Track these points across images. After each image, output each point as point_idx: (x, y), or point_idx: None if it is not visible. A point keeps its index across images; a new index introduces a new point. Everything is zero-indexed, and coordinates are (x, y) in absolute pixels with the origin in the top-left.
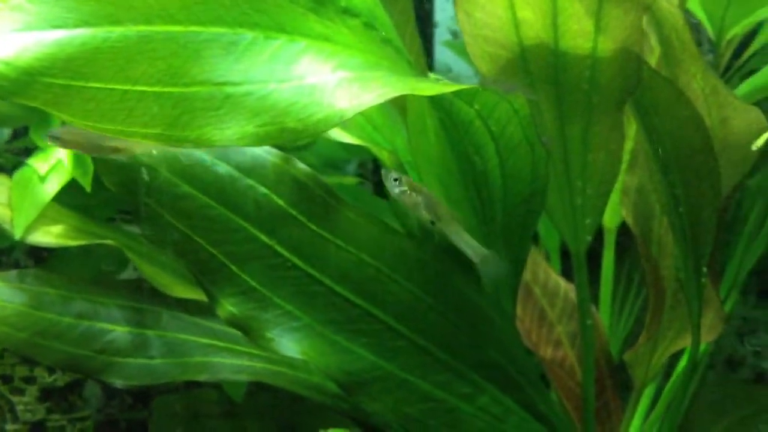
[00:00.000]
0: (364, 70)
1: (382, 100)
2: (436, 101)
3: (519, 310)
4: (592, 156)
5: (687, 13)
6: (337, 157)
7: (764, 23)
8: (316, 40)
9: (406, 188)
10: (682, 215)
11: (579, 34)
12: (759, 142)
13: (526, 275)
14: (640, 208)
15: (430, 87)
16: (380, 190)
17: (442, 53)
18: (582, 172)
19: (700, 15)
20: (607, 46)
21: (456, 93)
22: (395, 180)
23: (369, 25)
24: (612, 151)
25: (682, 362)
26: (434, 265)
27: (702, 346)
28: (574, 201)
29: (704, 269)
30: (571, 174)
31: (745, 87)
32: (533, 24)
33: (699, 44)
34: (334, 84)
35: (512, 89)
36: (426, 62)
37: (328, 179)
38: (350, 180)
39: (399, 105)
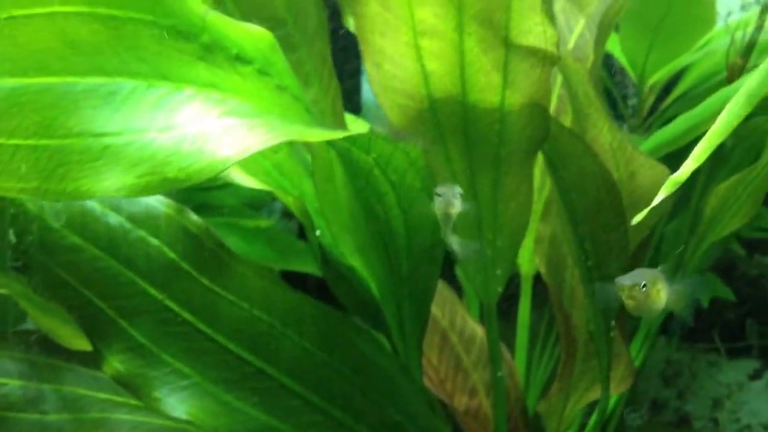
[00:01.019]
0: (252, 116)
1: (266, 146)
2: (338, 148)
3: (435, 358)
4: (502, 207)
5: (611, 58)
6: (257, 198)
7: (687, 69)
8: (203, 88)
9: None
10: (590, 268)
11: (487, 87)
12: (662, 193)
13: (444, 322)
14: (553, 257)
15: (317, 133)
16: (303, 231)
17: None
18: (492, 223)
19: (623, 61)
20: (515, 99)
21: (353, 141)
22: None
23: (263, 72)
24: (522, 202)
25: (594, 415)
26: (329, 320)
27: (614, 398)
28: (485, 251)
29: (613, 322)
30: (482, 225)
31: (650, 141)
32: (442, 77)
33: (625, 88)
34: (219, 131)
35: (402, 138)
36: (343, 103)
37: (245, 221)
38: (265, 222)
39: (311, 151)
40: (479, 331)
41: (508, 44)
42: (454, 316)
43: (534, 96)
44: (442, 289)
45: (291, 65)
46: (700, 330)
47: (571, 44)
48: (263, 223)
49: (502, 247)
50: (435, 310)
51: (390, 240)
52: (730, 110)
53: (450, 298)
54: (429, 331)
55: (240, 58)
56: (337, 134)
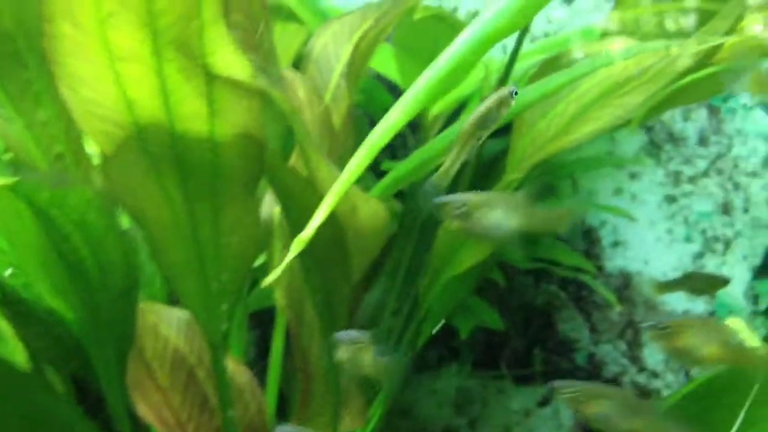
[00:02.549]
0: None
1: None
2: (14, 189)
3: (178, 399)
4: (225, 240)
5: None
6: None
7: (467, 102)
8: None
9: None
10: (318, 301)
11: (194, 116)
12: (292, 252)
13: (192, 358)
14: (291, 289)
15: None
16: None
17: None
18: (216, 257)
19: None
20: (224, 130)
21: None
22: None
23: None
24: (246, 235)
25: None
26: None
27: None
28: (209, 286)
29: None
30: (204, 258)
31: (387, 178)
32: (146, 104)
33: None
34: None
35: (56, 181)
36: None
37: None
38: None
39: None
40: (231, 366)
41: (208, 73)
42: (203, 351)
43: (246, 127)
44: (192, 322)
45: (19, 84)
46: (490, 358)
47: (336, 75)
48: None
49: (227, 281)
50: (183, 345)
51: (85, 281)
52: (349, 168)
53: (197, 333)
54: (173, 369)
55: None
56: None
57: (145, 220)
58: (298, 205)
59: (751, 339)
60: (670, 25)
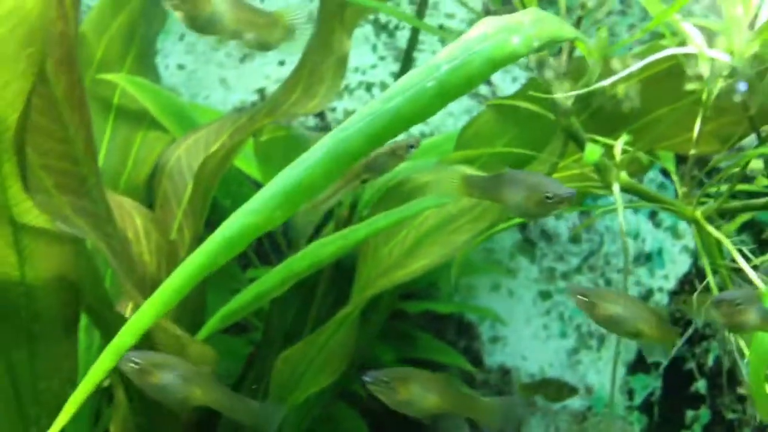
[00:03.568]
0: None
1: None
2: None
3: None
4: (44, 384)
5: None
6: None
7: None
8: None
9: None
10: None
11: (3, 262)
12: None
13: None
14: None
15: None
16: None
17: None
18: (35, 401)
19: None
20: (36, 275)
21: None
22: None
23: None
24: (66, 379)
25: None
26: None
27: None
28: (29, 431)
29: None
30: (22, 402)
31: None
32: None
33: None
34: None
35: None
36: None
37: None
38: None
39: None
40: None
41: (14, 223)
42: None
43: (60, 272)
44: None
45: None
46: None
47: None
48: None
49: (47, 426)
50: None
51: None
52: (143, 311)
53: None
54: None
55: None
56: None
57: None
58: None
59: None
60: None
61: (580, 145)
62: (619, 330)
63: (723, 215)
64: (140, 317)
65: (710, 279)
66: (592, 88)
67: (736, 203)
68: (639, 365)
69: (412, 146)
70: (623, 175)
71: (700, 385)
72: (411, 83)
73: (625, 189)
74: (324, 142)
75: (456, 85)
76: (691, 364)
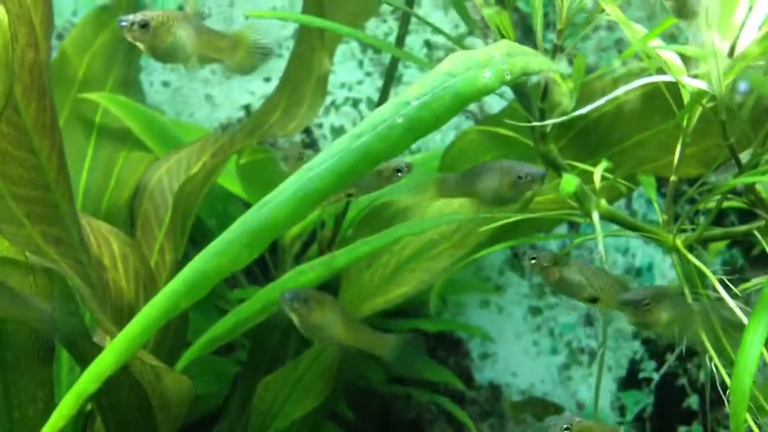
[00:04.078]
0: None
1: None
2: None
3: None
4: (18, 413)
5: None
6: None
7: (326, 222)
8: None
9: None
10: None
11: None
12: None
13: None
14: None
15: None
16: None
17: None
18: (9, 431)
19: None
20: None
21: None
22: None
23: None
24: (42, 408)
25: None
26: None
27: None
28: None
29: None
30: None
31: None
32: None
33: None
34: None
35: None
36: None
37: None
38: None
39: None
40: None
41: None
42: None
43: None
44: None
45: None
46: None
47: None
48: None
49: None
50: None
51: None
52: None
53: None
54: None
55: None
56: None
57: None
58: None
59: None
60: None
61: (559, 172)
62: (576, 295)
63: (704, 243)
64: (100, 363)
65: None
66: (568, 117)
67: (716, 231)
68: (631, 381)
69: (399, 171)
70: (603, 202)
71: (692, 400)
72: (380, 119)
73: (604, 217)
74: (292, 181)
75: (425, 121)
76: (683, 380)
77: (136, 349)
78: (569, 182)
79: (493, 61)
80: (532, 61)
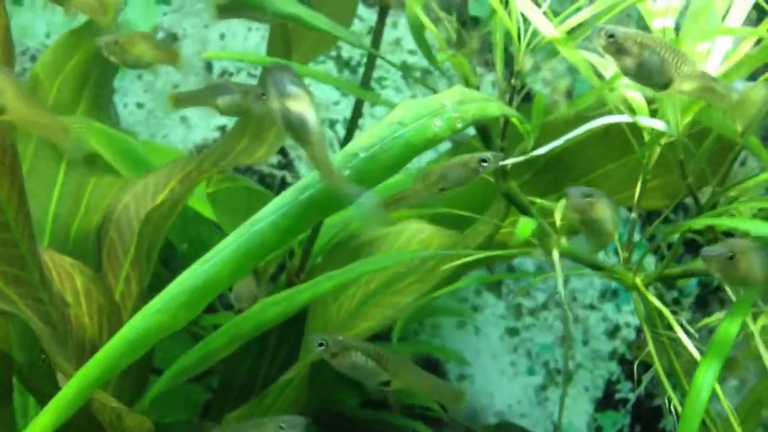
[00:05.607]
0: None
1: None
2: None
3: None
4: None
5: None
6: None
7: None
8: None
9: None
10: None
11: None
12: None
13: None
14: None
15: None
16: None
17: None
18: None
19: None
20: None
21: None
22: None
23: None
24: None
25: None
26: None
27: None
28: None
29: None
30: None
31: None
32: None
33: None
34: None
35: None
36: None
37: None
38: None
39: None
40: None
41: None
42: None
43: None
44: None
45: None
46: None
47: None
48: None
49: None
50: None
51: None
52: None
53: None
54: None
55: None
56: None
57: None
58: None
59: None
60: None
61: (521, 210)
62: None
63: (665, 280)
64: (41, 420)
65: (651, 348)
66: (527, 157)
67: (677, 269)
68: (607, 402)
69: (485, 161)
70: (563, 241)
71: (669, 421)
72: None
73: (564, 255)
74: (236, 235)
75: (373, 172)
76: (660, 401)
77: (82, 402)
78: (525, 227)
79: (443, 109)
80: (487, 107)
